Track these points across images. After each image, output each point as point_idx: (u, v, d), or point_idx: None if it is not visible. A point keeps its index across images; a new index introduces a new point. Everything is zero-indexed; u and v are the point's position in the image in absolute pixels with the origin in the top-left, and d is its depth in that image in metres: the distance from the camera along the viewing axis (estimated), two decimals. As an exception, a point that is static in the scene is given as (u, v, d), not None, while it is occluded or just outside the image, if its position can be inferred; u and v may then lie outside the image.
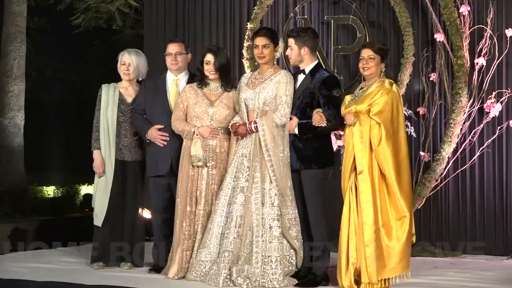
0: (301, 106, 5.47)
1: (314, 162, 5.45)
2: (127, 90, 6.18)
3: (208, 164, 5.68)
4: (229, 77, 5.84)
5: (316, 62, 5.57)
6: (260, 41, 5.56)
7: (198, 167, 5.68)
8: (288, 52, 5.57)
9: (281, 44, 5.63)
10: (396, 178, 5.14)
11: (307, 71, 5.53)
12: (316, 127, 5.36)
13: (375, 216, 5.11)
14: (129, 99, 6.15)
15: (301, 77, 5.55)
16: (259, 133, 5.45)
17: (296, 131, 5.45)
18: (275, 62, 5.69)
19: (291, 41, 5.53)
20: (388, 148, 5.15)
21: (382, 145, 5.14)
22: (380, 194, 5.14)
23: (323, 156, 5.47)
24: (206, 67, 5.76)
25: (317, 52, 5.68)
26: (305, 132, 5.44)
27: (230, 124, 5.67)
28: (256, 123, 5.47)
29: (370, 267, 5.08)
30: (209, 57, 5.76)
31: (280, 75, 5.55)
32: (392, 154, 5.15)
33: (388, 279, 5.16)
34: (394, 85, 5.28)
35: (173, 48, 6.01)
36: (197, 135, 5.67)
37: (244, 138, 5.57)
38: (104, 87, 6.18)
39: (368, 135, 5.15)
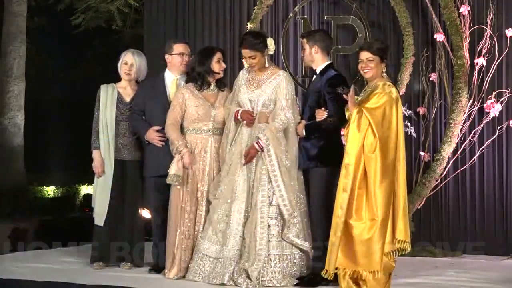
0: (310, 106, 5.51)
1: (320, 160, 5.46)
2: (126, 89, 6.19)
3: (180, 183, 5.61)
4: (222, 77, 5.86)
5: (328, 62, 5.57)
6: (245, 53, 5.54)
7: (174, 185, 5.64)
8: (302, 53, 5.62)
9: (270, 41, 5.57)
10: (380, 181, 4.97)
11: (318, 71, 5.55)
12: (321, 124, 5.38)
13: (348, 208, 4.97)
14: (128, 99, 6.15)
15: (314, 78, 5.60)
16: (264, 150, 5.40)
17: (304, 133, 5.48)
18: (268, 63, 5.61)
19: (303, 41, 5.58)
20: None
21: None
22: (359, 191, 5.01)
23: (329, 154, 5.44)
24: (217, 65, 5.74)
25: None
26: (312, 132, 5.46)
27: (239, 112, 5.53)
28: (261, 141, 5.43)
29: (328, 256, 4.99)
30: (220, 56, 5.77)
31: (279, 77, 5.54)
32: (381, 158, 4.98)
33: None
34: (393, 88, 5.14)
35: (184, 48, 6.02)
36: (181, 156, 5.63)
37: (247, 139, 5.53)
38: (103, 87, 6.19)
39: (363, 136, 5.01)
